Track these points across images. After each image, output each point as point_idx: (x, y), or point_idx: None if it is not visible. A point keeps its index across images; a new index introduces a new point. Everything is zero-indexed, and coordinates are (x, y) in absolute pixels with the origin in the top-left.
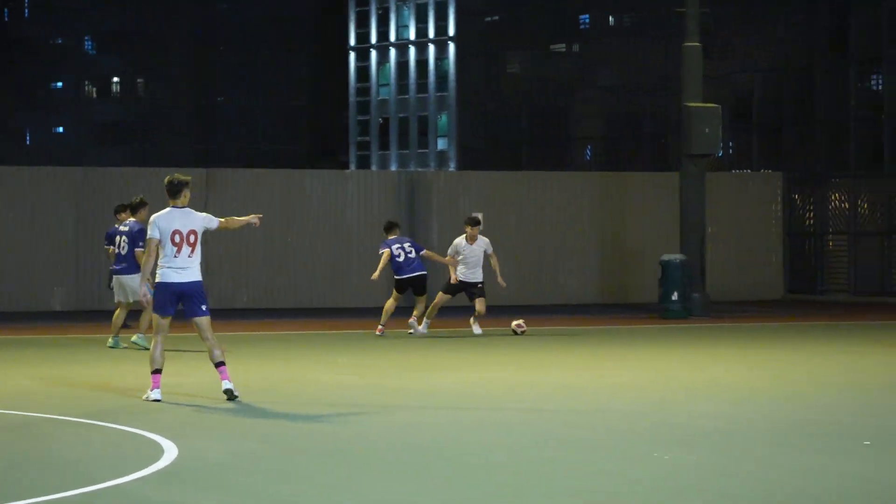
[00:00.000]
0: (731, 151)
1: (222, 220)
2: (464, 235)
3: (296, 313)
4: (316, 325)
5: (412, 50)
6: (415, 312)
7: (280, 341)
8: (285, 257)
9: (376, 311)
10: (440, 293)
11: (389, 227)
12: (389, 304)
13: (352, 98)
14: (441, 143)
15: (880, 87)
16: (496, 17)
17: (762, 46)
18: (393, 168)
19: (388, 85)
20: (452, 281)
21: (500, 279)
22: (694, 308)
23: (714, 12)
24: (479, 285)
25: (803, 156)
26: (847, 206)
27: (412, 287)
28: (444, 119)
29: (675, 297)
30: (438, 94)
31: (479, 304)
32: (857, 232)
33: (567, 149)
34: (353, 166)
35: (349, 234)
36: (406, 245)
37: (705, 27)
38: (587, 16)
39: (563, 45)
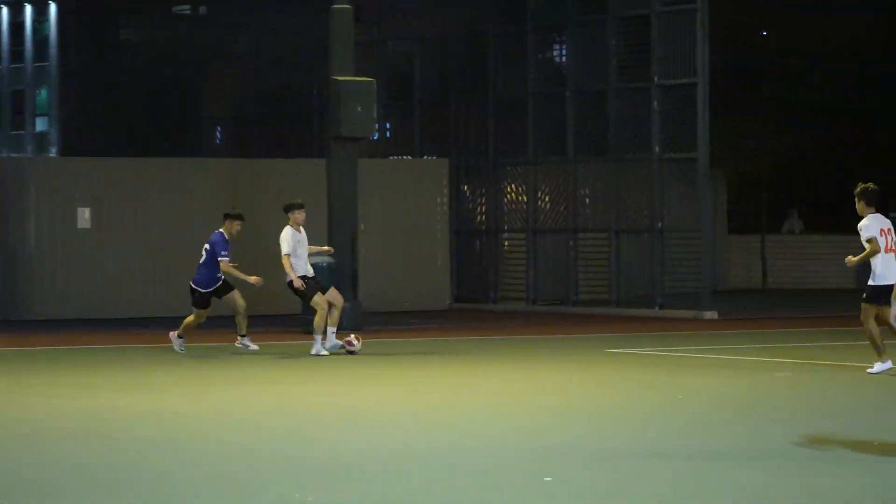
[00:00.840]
0: (388, 134)
1: None
2: (289, 226)
3: None
4: None
5: (4, 11)
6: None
7: None
8: None
9: None
10: (317, 297)
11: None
12: (190, 318)
13: None
14: (40, 124)
15: (563, 59)
16: None
17: (425, 10)
18: None
19: None
20: (298, 285)
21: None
22: (343, 320)
23: None
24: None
25: (474, 139)
26: (525, 198)
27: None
28: (43, 94)
29: None
30: (37, 64)
31: (335, 299)
32: (537, 229)
33: (194, 131)
34: None
35: None
36: (206, 247)
37: None
38: None
39: (188, 7)
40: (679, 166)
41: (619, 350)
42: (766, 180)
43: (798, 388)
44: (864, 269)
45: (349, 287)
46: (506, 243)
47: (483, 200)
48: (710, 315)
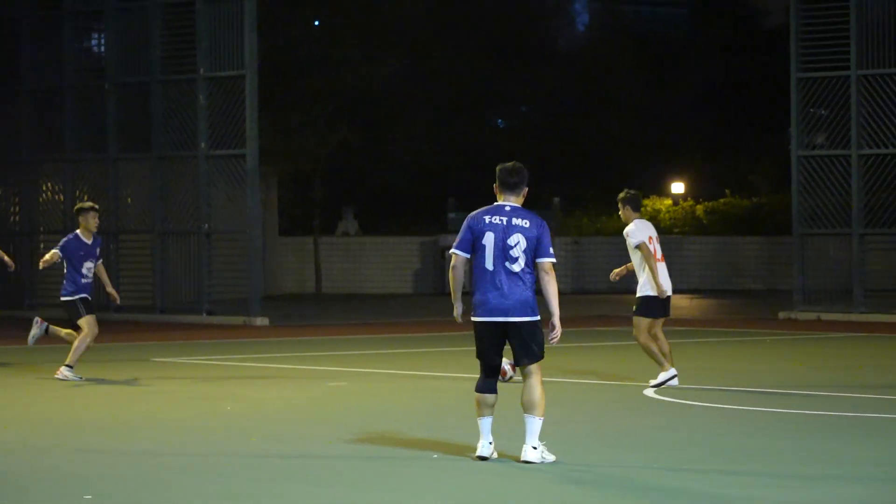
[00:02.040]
0: None
1: None
2: None
3: None
4: None
5: None
6: None
7: None
8: None
9: None
10: None
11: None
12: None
13: None
14: None
15: (102, 49)
16: None
17: None
18: None
19: None
20: None
21: None
22: None
23: None
24: None
25: (7, 134)
26: (63, 198)
27: None
28: None
29: None
30: None
31: None
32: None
33: None
34: None
35: None
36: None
37: None
38: None
39: None
40: (226, 164)
41: (167, 359)
42: (319, 178)
43: (351, 397)
44: (434, 275)
45: None
46: (42, 245)
47: (18, 200)
48: (261, 321)
